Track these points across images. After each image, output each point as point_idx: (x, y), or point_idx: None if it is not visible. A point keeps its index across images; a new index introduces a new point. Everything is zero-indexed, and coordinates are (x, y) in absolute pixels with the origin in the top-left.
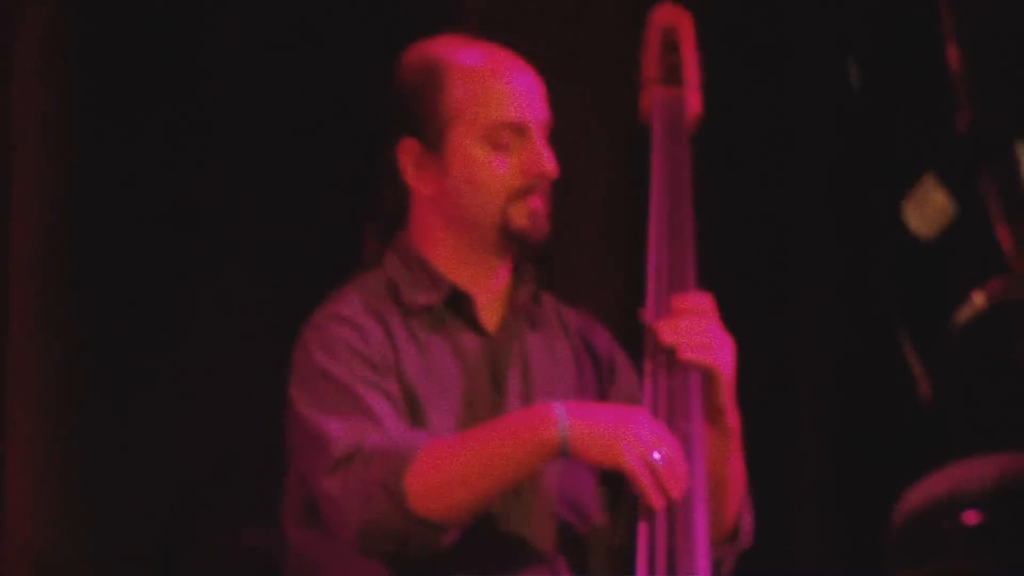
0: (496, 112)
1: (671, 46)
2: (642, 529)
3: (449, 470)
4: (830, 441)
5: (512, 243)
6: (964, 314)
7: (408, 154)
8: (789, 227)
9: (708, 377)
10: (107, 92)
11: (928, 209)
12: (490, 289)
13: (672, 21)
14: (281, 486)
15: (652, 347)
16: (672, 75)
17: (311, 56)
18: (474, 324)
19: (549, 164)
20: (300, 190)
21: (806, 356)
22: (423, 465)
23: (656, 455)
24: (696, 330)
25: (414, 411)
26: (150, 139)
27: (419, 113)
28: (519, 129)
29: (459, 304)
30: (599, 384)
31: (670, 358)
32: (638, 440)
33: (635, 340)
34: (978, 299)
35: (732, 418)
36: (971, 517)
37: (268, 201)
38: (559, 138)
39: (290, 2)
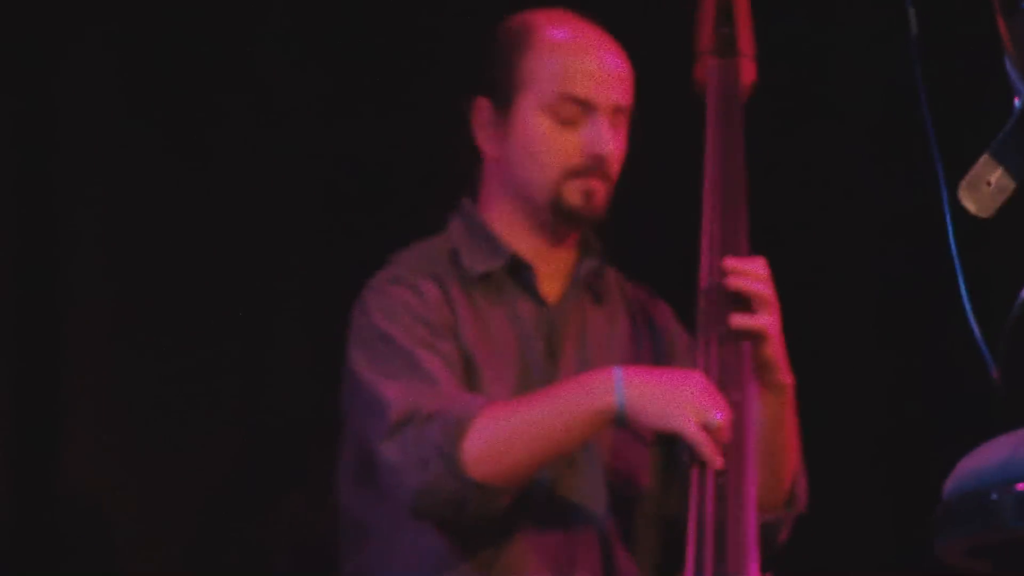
0: (566, 85)
1: (725, 17)
2: (692, 497)
3: (505, 435)
4: (879, 413)
5: (563, 220)
6: None
7: (480, 112)
8: (844, 196)
9: (758, 338)
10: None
11: (983, 190)
12: (553, 260)
13: None
14: (320, 455)
15: (704, 312)
16: (726, 46)
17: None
18: (533, 293)
19: (608, 146)
20: (339, 182)
21: (854, 323)
22: (479, 430)
23: (716, 415)
24: (745, 296)
25: (471, 374)
26: (188, 138)
27: (495, 74)
28: (586, 106)
29: (519, 272)
30: (656, 361)
31: (721, 325)
32: (695, 403)
33: (688, 309)
34: None
35: (784, 375)
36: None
37: (303, 198)
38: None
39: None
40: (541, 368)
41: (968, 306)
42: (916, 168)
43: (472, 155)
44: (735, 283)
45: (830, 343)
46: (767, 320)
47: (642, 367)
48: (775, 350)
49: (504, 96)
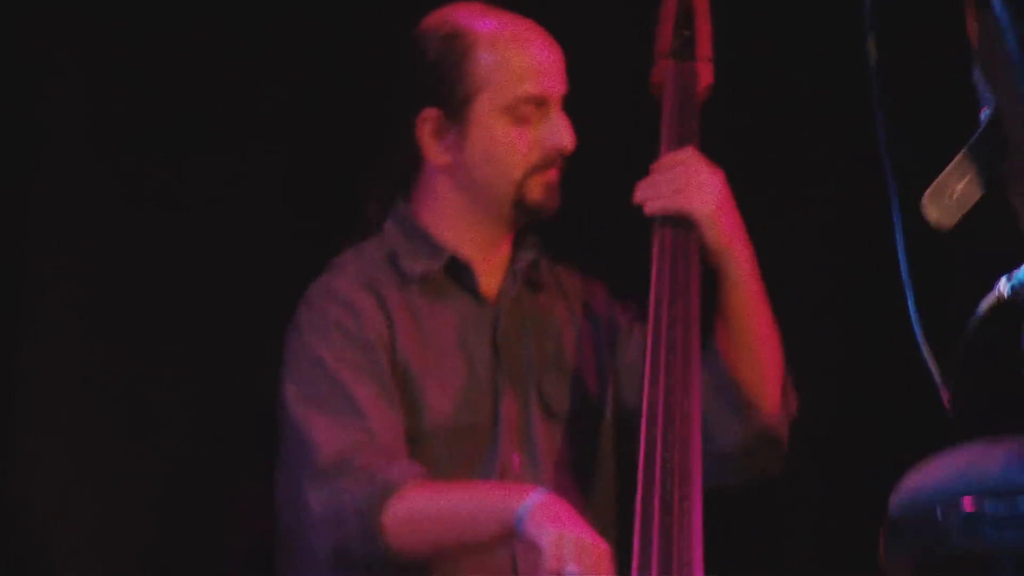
0: (520, 85)
1: (685, 20)
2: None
3: (425, 513)
4: (825, 427)
5: (525, 215)
6: (987, 303)
7: (428, 123)
8: (799, 205)
9: (693, 222)
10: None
11: (947, 200)
12: (492, 257)
13: None
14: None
15: (653, 331)
16: (684, 48)
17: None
18: (474, 291)
19: (568, 139)
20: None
21: (803, 335)
22: (403, 500)
23: (571, 568)
24: (665, 181)
25: (410, 388)
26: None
27: (443, 83)
28: (540, 102)
29: (458, 272)
30: (598, 348)
31: (659, 227)
32: (579, 553)
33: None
34: (1003, 288)
35: (741, 258)
36: (968, 503)
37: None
38: (570, 110)
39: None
40: (488, 364)
41: (918, 327)
42: (872, 178)
43: (404, 158)
44: (650, 208)
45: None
46: (680, 200)
47: (564, 504)
48: (715, 231)
49: (456, 105)
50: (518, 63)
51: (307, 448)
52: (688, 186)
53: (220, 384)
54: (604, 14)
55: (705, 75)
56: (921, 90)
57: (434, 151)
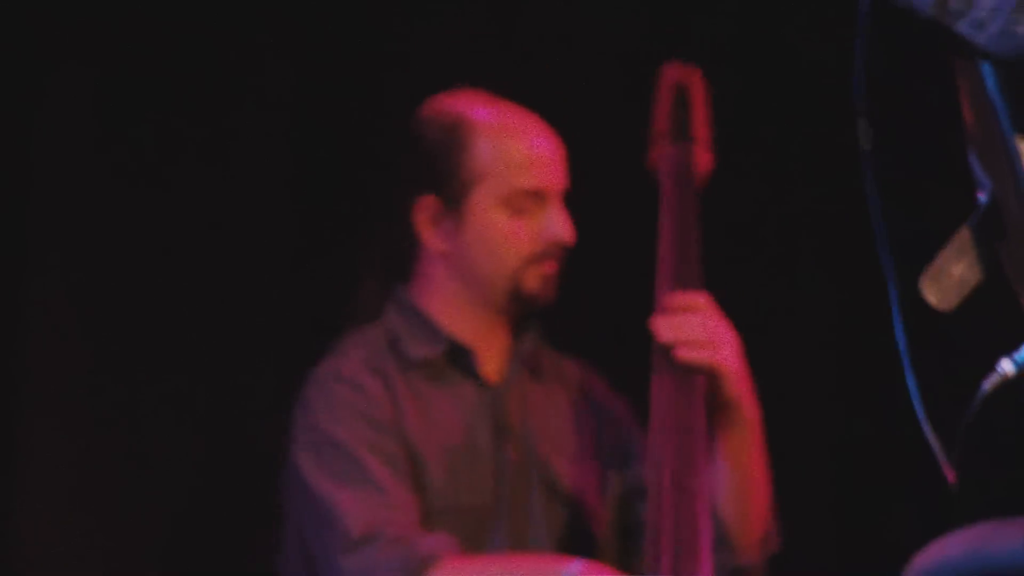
0: (518, 177)
1: (682, 103)
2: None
3: None
4: (831, 509)
5: (520, 305)
6: (991, 383)
7: (426, 210)
8: (798, 285)
9: (713, 375)
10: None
11: (946, 282)
12: (492, 342)
13: (683, 78)
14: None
15: (658, 353)
16: (681, 131)
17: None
18: (474, 376)
19: (567, 233)
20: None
21: (810, 418)
22: (439, 573)
23: None
24: (693, 328)
25: (418, 470)
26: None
27: (441, 171)
28: (539, 195)
29: (459, 357)
30: (598, 433)
31: (673, 359)
32: None
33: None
34: (1007, 367)
35: (749, 410)
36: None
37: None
38: (570, 192)
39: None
40: (488, 449)
41: (919, 407)
42: (870, 260)
43: (402, 242)
44: (664, 337)
45: (786, 438)
46: (711, 355)
47: (605, 567)
48: (734, 386)
49: (454, 194)
50: (517, 155)
51: (334, 519)
52: (714, 339)
53: (221, 391)
54: (603, 97)
55: (703, 158)
56: (916, 166)
57: (431, 237)
